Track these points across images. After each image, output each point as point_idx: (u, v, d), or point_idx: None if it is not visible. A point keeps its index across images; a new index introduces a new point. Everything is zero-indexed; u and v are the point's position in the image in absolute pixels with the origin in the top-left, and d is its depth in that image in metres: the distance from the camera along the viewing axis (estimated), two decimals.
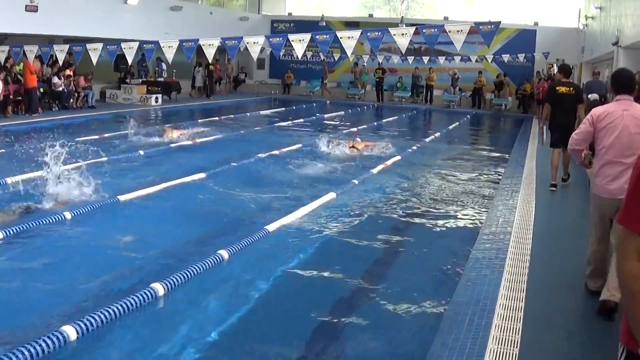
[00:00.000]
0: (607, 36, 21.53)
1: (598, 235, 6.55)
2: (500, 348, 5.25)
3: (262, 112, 27.40)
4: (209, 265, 7.21)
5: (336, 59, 33.68)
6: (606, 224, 6.48)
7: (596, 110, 6.58)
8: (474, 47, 29.93)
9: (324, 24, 35.13)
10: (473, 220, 10.31)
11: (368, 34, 12.01)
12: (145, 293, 6.25)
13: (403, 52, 15.15)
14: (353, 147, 16.48)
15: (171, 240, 8.57)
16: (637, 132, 6.19)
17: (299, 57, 13.82)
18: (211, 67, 32.94)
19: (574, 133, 6.80)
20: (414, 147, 17.85)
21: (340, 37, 11.92)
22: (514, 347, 5.28)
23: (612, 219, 6.31)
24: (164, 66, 30.51)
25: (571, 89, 12.21)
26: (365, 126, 22.75)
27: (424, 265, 7.97)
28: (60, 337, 5.26)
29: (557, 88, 12.24)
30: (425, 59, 31.86)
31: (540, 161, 15.31)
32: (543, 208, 10.48)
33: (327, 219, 9.91)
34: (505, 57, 32.31)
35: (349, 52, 12.22)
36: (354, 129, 20.85)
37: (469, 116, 30.91)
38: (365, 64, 34.79)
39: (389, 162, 15.06)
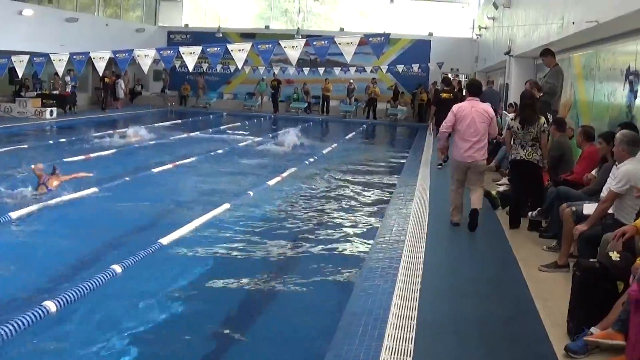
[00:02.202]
0: (500, 46, 22.00)
1: (456, 185, 9.96)
2: (394, 358, 5.21)
3: (158, 125, 26.91)
4: (102, 280, 7.03)
5: (232, 70, 33.54)
6: (461, 177, 9.88)
7: (455, 107, 9.93)
8: (369, 57, 30.09)
9: (221, 35, 34.99)
10: (367, 230, 10.37)
11: (259, 46, 11.95)
12: (37, 311, 6.02)
13: (294, 64, 15.19)
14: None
15: (64, 256, 8.32)
16: (480, 121, 9.64)
17: (190, 70, 13.68)
18: (106, 79, 32.34)
19: (443, 122, 9.98)
20: (311, 160, 17.88)
21: (231, 50, 11.82)
22: (407, 356, 5.24)
23: (465, 174, 9.82)
24: (77, 79, 29.89)
25: (451, 95, 16.39)
26: (260, 138, 22.70)
27: (317, 277, 7.91)
28: None
29: (441, 94, 16.96)
30: (321, 70, 32.00)
31: (434, 169, 15.56)
32: (436, 216, 10.58)
33: (221, 231, 9.86)
34: (400, 68, 32.70)
35: (239, 64, 12.13)
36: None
37: (364, 126, 31.30)
38: (264, 76, 34.98)
39: (285, 174, 15.02)
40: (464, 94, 13.84)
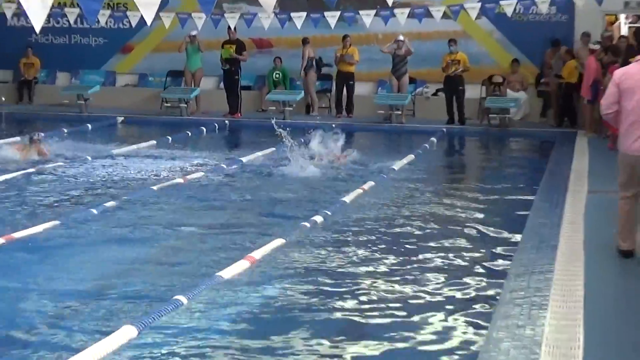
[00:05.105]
0: None
1: (625, 193, 12.57)
2: None
3: None
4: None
5: (133, 24, 33.55)
6: (633, 181, 12.36)
7: (617, 72, 12.22)
8: None
9: None
10: (494, 266, 13.98)
11: None
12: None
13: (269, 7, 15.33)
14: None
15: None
16: None
17: (37, 29, 13.80)
18: None
19: (602, 99, 12.59)
20: None
21: None
22: None
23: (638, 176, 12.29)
24: None
25: None
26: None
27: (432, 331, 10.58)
28: None
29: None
30: (332, 17, 32.02)
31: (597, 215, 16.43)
32: (598, 246, 12.76)
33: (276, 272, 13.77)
34: (509, 4, 32.56)
35: (147, 16, 12.17)
36: None
37: (434, 140, 31.41)
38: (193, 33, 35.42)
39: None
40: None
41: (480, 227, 18.47)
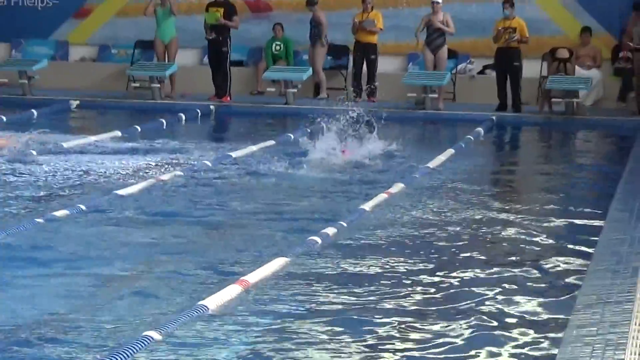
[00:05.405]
0: None
1: None
2: None
3: None
4: None
5: None
6: None
7: None
8: None
9: None
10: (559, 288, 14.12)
11: None
12: None
13: None
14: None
15: None
16: None
17: None
18: None
19: None
20: None
21: None
22: None
23: None
24: None
25: None
26: None
27: None
28: None
29: None
30: None
31: None
32: None
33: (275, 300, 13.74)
34: None
35: None
36: None
37: (481, 130, 31.56)
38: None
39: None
40: None
41: (540, 244, 18.47)
